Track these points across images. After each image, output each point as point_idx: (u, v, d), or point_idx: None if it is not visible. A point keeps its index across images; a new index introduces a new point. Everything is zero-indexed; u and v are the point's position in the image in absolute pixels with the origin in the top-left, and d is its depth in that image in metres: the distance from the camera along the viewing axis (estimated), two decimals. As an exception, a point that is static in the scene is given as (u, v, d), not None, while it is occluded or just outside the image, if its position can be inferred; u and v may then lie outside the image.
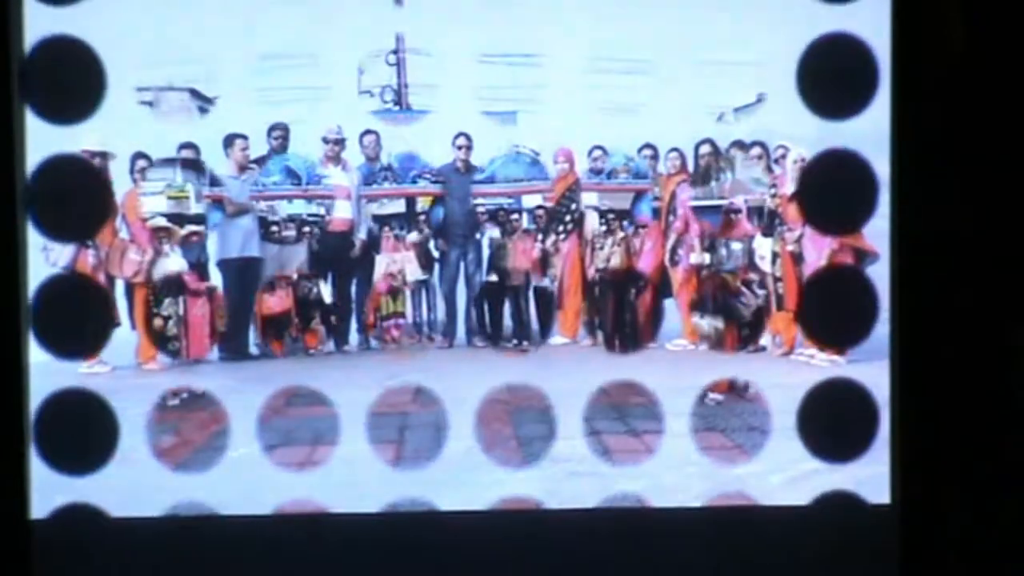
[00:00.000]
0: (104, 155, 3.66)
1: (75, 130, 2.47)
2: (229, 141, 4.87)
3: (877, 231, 2.40)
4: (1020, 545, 1.98)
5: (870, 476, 2.27)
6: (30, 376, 2.14)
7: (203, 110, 4.37)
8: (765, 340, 4.05)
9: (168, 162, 4.57)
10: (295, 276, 5.70)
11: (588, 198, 7.01)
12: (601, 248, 4.52)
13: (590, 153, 5.92)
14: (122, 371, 3.52)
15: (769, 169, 4.25)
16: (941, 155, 1.99)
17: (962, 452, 2.00)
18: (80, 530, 2.08)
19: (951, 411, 2.02)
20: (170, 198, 6.82)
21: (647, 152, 4.98)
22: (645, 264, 4.53)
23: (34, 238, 2.48)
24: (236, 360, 4.50)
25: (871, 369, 2.56)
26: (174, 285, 4.25)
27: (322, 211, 8.14)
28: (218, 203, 6.00)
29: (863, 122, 2.16)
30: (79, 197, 2.69)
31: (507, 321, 5.85)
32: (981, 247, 2.00)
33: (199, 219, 5.67)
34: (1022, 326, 1.98)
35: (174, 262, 4.43)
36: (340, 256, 5.25)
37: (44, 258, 2.74)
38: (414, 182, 6.56)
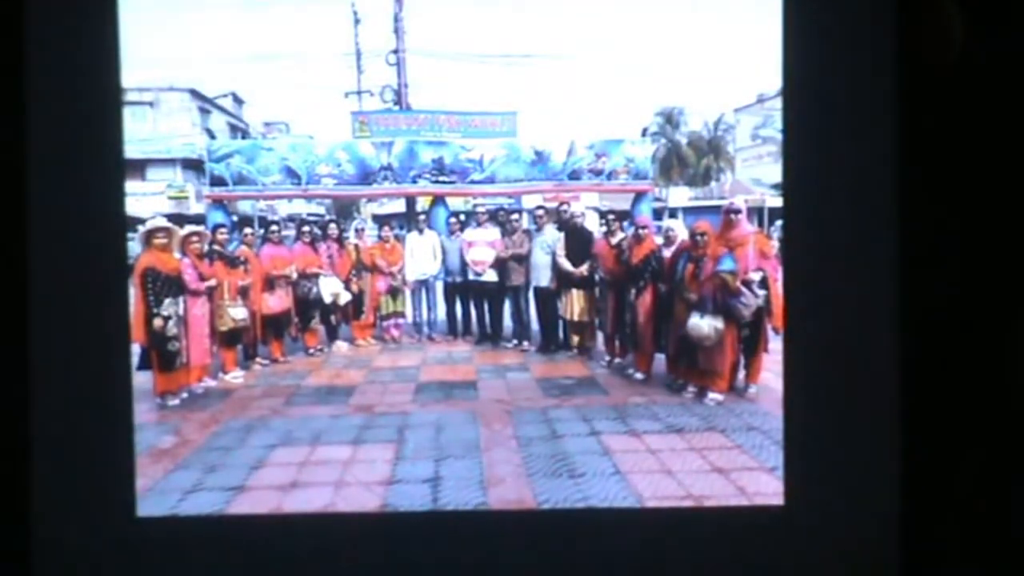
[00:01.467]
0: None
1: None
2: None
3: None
4: (1018, 544, 1.98)
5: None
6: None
7: (203, 110, 4.37)
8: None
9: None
10: (295, 275, 5.71)
11: (588, 199, 7.05)
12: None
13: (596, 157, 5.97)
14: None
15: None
16: (945, 155, 1.99)
17: (967, 452, 2.00)
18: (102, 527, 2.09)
19: (957, 412, 2.01)
20: (171, 198, 6.81)
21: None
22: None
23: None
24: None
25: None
26: (174, 285, 4.24)
27: (322, 210, 8.13)
28: (218, 203, 6.03)
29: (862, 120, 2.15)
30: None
31: (507, 321, 5.89)
32: (984, 246, 2.00)
33: (199, 219, 5.69)
34: (1017, 324, 1.98)
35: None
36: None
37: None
38: (414, 182, 6.59)
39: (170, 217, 4.82)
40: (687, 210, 8.28)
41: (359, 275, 5.68)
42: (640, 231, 4.61)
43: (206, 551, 2.14)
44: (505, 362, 5.07)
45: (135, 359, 3.18)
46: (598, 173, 5.93)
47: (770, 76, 2.26)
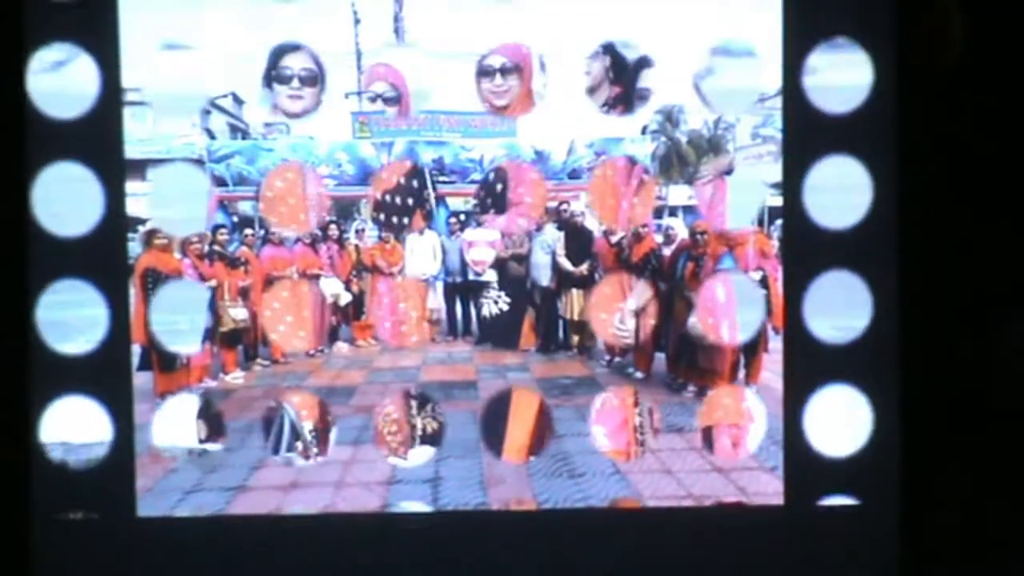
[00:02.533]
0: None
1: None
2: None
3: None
4: (1017, 543, 1.98)
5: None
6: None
7: (203, 110, 4.36)
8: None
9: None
10: (295, 276, 5.70)
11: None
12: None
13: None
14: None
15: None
16: (943, 152, 1.99)
17: (967, 452, 2.00)
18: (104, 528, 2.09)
19: (957, 412, 2.02)
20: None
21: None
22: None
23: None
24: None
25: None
26: (174, 285, 4.23)
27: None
28: (218, 203, 6.02)
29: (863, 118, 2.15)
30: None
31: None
32: (984, 245, 2.00)
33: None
34: (1015, 324, 1.98)
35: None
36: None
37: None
38: (414, 182, 6.58)
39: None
40: (687, 209, 8.28)
41: (359, 276, 5.67)
42: (640, 229, 4.61)
43: (206, 551, 2.14)
44: (505, 362, 5.06)
45: (135, 359, 3.18)
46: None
47: (770, 76, 2.26)
